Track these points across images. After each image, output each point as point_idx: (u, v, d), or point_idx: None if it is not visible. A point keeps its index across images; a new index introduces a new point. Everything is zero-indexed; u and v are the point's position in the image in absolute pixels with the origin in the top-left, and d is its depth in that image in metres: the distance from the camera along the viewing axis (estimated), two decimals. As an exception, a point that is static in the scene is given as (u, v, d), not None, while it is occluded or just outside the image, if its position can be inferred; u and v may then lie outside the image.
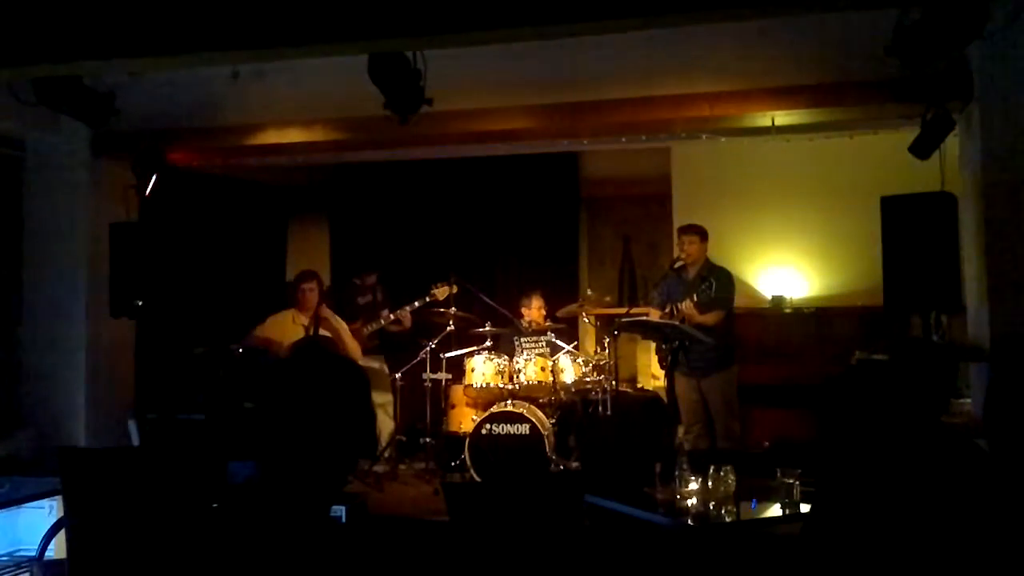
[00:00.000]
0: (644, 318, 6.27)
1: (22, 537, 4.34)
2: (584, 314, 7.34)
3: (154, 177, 6.40)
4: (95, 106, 5.62)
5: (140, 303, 6.05)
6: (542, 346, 6.90)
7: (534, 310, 7.25)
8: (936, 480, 2.44)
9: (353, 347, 6.67)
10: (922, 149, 5.09)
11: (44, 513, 4.30)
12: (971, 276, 5.18)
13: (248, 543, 2.31)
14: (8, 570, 4.21)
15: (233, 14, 4.29)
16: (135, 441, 5.66)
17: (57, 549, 4.07)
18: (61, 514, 3.94)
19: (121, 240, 6.17)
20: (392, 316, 7.03)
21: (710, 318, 5.92)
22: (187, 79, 5.97)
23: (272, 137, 6.27)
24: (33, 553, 4.11)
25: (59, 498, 3.95)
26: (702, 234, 6.22)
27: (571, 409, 6.96)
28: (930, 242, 4.98)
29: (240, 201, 8.20)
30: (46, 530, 4.10)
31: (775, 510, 3.99)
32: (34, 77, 5.31)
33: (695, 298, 5.83)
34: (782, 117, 5.71)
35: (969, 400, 5.29)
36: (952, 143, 5.19)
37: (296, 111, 6.13)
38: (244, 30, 4.31)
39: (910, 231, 5.05)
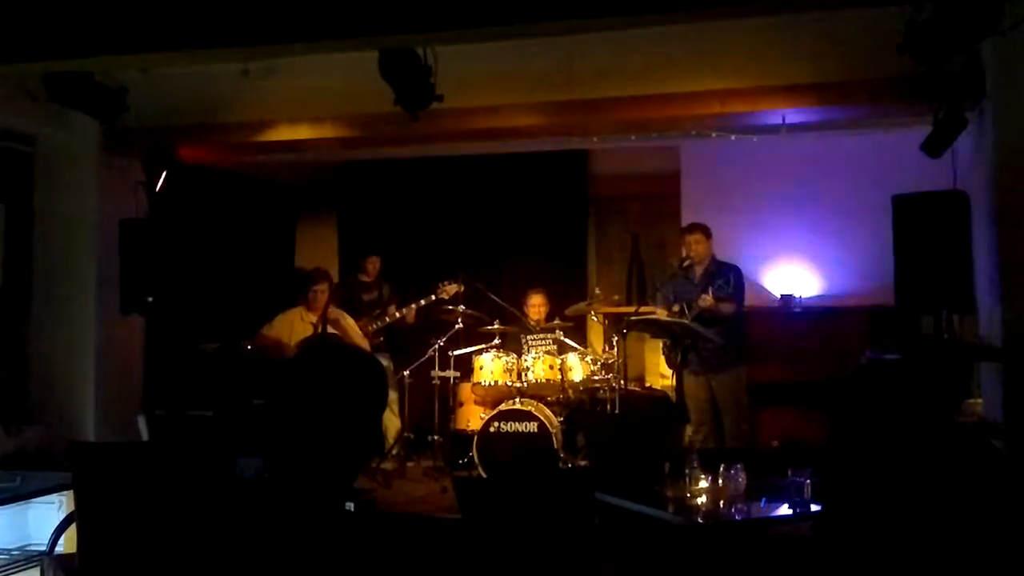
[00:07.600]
0: (653, 316, 6.26)
1: (32, 532, 4.34)
2: (592, 313, 7.33)
3: (164, 173, 6.42)
4: (106, 102, 5.64)
5: (150, 299, 6.06)
6: (550, 344, 6.90)
7: (532, 307, 7.24)
8: (951, 480, 2.42)
9: (362, 345, 6.67)
10: (934, 147, 5.06)
11: (54, 508, 4.30)
12: (983, 275, 5.15)
13: (256, 538, 2.31)
14: (19, 564, 4.21)
15: (244, 10, 4.30)
16: (144, 437, 5.67)
17: (67, 544, 4.08)
18: (71, 509, 3.94)
19: (131, 236, 6.18)
20: (399, 314, 7.03)
21: (726, 307, 5.97)
22: (197, 76, 5.97)
23: (282, 134, 6.27)
24: (43, 548, 4.12)
25: (69, 493, 3.96)
26: (706, 232, 6.22)
27: (579, 407, 6.95)
28: (942, 241, 4.97)
29: (249, 197, 8.20)
30: (56, 525, 4.11)
31: (785, 509, 3.97)
32: (45, 73, 5.34)
33: (710, 292, 5.85)
34: (793, 115, 5.69)
35: (980, 400, 5.26)
36: (964, 141, 5.16)
37: (306, 108, 6.12)
38: (255, 26, 4.32)
39: (922, 230, 5.04)
